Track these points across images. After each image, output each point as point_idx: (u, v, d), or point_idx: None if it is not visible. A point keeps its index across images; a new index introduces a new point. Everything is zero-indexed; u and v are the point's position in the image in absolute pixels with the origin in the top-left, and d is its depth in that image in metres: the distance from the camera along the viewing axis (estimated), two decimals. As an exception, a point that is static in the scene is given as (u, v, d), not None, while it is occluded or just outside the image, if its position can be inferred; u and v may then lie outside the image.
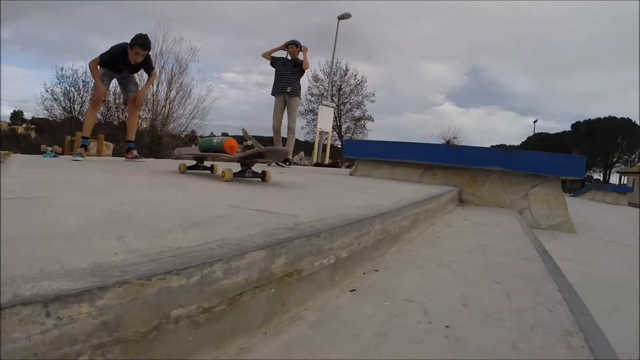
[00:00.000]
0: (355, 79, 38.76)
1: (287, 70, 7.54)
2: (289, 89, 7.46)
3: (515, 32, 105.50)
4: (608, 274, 3.23)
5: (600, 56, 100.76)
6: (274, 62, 7.66)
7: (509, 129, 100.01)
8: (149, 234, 1.17)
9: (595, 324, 1.33)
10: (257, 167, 3.64)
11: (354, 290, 1.44)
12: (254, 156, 3.38)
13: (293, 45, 7.51)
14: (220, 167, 3.84)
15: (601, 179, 55.37)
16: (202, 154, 3.88)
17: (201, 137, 23.08)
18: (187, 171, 3.95)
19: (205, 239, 1.15)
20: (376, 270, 1.71)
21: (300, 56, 7.55)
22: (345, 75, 38.50)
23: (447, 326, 1.17)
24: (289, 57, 7.65)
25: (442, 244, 2.31)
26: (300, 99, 7.81)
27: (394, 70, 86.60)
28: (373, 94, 39.38)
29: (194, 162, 4.13)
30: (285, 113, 7.64)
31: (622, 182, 41.78)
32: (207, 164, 4.25)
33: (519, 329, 1.18)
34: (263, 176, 3.49)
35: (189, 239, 1.15)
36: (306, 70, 7.63)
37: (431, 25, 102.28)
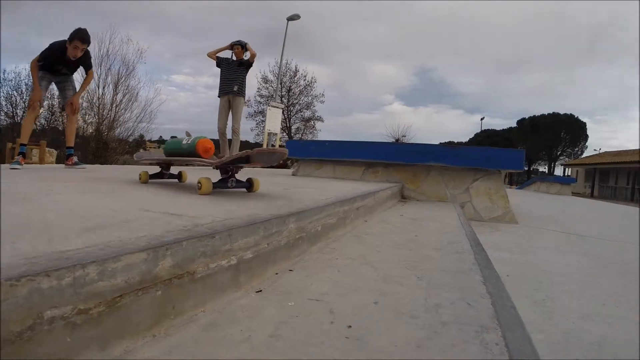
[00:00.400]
0: (305, 79, 38.77)
1: (232, 70, 7.37)
2: (235, 88, 7.27)
3: (461, 33, 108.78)
4: (546, 262, 3.23)
5: (543, 55, 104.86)
6: (220, 62, 7.49)
7: (457, 126, 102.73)
8: (44, 239, 1.11)
9: (517, 318, 1.25)
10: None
11: (260, 291, 1.38)
12: (238, 161, 2.49)
13: (238, 46, 7.31)
14: (193, 174, 3.44)
15: (546, 172, 57.47)
16: (169, 159, 3.13)
17: (150, 141, 22.38)
18: (151, 181, 3.16)
19: (92, 242, 1.08)
20: (290, 270, 1.62)
21: (246, 56, 7.39)
22: (294, 76, 38.48)
23: (350, 326, 1.10)
24: (234, 58, 7.48)
25: (370, 241, 2.23)
26: (244, 99, 7.61)
27: (344, 71, 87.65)
28: (322, 95, 39.51)
29: (158, 169, 3.35)
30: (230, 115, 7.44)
31: (566, 174, 43.41)
32: (174, 170, 3.49)
33: (431, 326, 1.11)
34: (250, 185, 2.77)
35: (79, 243, 1.08)
36: (253, 65, 7.46)
37: (380, 26, 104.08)
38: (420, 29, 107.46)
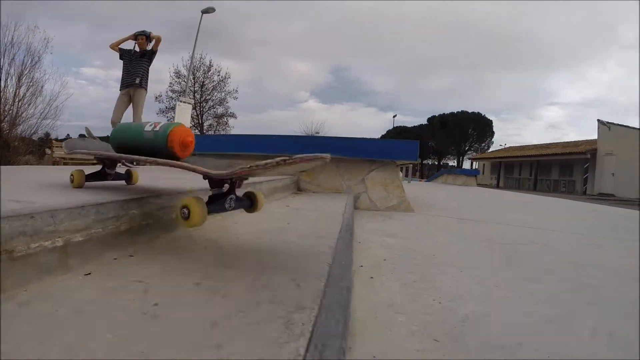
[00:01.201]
0: (219, 75, 38.02)
1: (135, 61, 7.01)
2: (137, 80, 6.92)
3: (377, 33, 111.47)
4: (430, 246, 3.29)
5: (454, 58, 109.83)
6: (122, 54, 7.10)
7: (370, 123, 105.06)
8: None
9: (345, 299, 1.25)
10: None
11: (89, 274, 1.33)
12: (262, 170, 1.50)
13: (143, 37, 6.96)
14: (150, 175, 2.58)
15: (455, 165, 60.29)
16: (118, 155, 2.12)
17: (56, 140, 20.73)
18: (88, 185, 2.16)
19: None
20: (131, 256, 1.55)
21: (149, 47, 7.05)
22: (208, 71, 37.59)
23: (156, 304, 1.09)
24: (137, 49, 7.11)
25: (233, 229, 2.16)
26: (146, 91, 7.25)
27: (260, 67, 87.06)
28: (236, 91, 38.90)
29: (99, 167, 2.27)
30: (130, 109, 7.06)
31: (473, 167, 45.77)
32: (121, 168, 2.40)
33: (241, 306, 1.08)
34: (250, 204, 1.90)
35: None
36: (158, 52, 7.11)
37: (298, 23, 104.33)
38: (337, 28, 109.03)
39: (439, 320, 1.68)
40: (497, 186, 35.33)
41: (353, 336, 1.39)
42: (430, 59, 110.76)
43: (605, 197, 21.96)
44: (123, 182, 2.33)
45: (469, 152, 60.96)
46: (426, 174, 39.17)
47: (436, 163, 65.53)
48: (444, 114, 63.15)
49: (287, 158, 1.38)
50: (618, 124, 27.14)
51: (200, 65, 36.34)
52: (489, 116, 64.57)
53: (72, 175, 2.10)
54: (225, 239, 1.96)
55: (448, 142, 60.10)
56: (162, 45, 7.07)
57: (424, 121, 67.66)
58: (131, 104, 7.08)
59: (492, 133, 61.85)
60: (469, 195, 11.23)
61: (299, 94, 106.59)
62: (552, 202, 10.90)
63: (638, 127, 25.75)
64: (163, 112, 35.55)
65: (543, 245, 3.61)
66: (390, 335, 1.47)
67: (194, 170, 1.64)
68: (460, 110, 62.39)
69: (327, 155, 1.43)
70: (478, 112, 62.16)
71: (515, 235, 4.12)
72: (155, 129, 1.96)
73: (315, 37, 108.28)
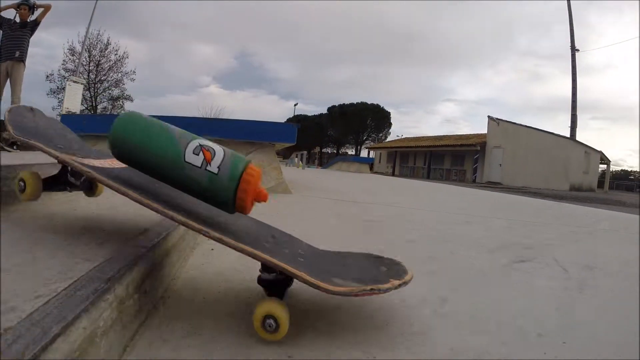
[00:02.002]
0: (116, 54, 36.21)
1: (15, 33, 6.51)
2: (17, 54, 6.43)
3: (284, 20, 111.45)
4: (290, 223, 3.39)
5: (357, 49, 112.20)
6: (2, 23, 6.55)
7: (272, 110, 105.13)
8: None
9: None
10: None
11: None
12: None
13: (25, 7, 6.48)
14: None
15: (354, 154, 62.07)
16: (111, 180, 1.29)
17: None
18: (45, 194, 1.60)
19: None
20: None
21: (32, 18, 6.57)
22: (105, 49, 35.66)
23: None
24: (18, 20, 6.59)
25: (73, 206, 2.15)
26: (25, 66, 6.74)
27: (161, 48, 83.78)
28: (134, 72, 37.35)
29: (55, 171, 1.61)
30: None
31: (370, 156, 47.40)
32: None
33: None
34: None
35: None
36: (48, 27, 6.64)
37: (204, 3, 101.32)
38: (245, 12, 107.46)
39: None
40: (393, 174, 36.82)
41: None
42: (334, 50, 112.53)
43: (492, 185, 23.56)
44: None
45: (366, 142, 63.26)
46: (325, 161, 40.06)
47: (335, 151, 67.06)
48: (344, 104, 65.04)
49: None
50: (506, 121, 29.49)
51: (97, 43, 34.50)
52: (388, 108, 67.64)
53: (21, 180, 1.48)
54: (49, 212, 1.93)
55: (347, 131, 61.99)
56: (57, 18, 6.72)
57: (325, 110, 69.01)
58: (9, 81, 6.58)
59: (390, 124, 64.74)
60: (355, 181, 11.64)
61: (201, 79, 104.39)
62: (434, 187, 11.60)
63: (526, 125, 28.05)
64: (54, 92, 33.34)
65: (406, 221, 3.89)
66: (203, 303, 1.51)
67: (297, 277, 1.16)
68: (360, 102, 64.38)
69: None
70: (377, 104, 64.52)
71: (381, 212, 4.37)
72: (210, 166, 1.25)
73: (222, 20, 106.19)
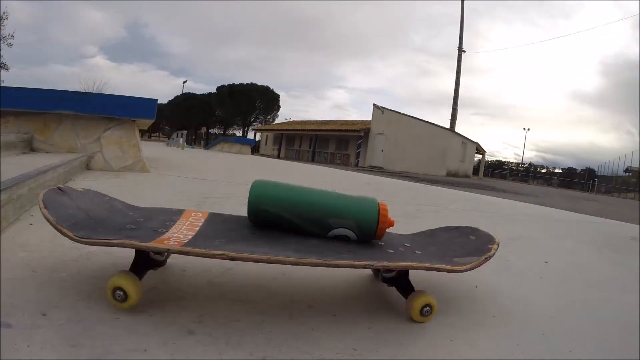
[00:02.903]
0: (-7, 12, 32.56)
1: None
2: None
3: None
4: (130, 199, 3.39)
5: (251, 30, 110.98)
6: None
7: (160, 87, 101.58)
8: None
9: None
10: None
11: None
12: None
13: None
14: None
15: (241, 135, 61.68)
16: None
17: None
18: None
19: None
20: None
21: None
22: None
23: None
24: None
25: None
26: None
27: (47, 8, 76.94)
28: (12, 36, 33.99)
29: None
30: None
31: (256, 138, 47.33)
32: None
33: None
34: None
35: None
36: None
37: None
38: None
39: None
40: (278, 156, 37.11)
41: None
42: (230, 28, 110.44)
43: (374, 169, 24.49)
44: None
45: (254, 123, 62.96)
46: (211, 142, 39.54)
47: (222, 132, 66.20)
48: (233, 84, 63.94)
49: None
50: (391, 110, 30.70)
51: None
52: (279, 91, 67.85)
53: (119, 289, 1.18)
54: None
55: (235, 112, 61.30)
56: None
57: (214, 89, 67.67)
58: None
59: (279, 107, 65.06)
60: (225, 161, 11.57)
61: (86, 48, 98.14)
62: (303, 167, 11.91)
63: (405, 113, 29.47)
64: None
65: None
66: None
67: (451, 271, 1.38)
68: (249, 82, 63.76)
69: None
70: (267, 86, 64.37)
71: (226, 190, 4.46)
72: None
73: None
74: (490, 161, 74.09)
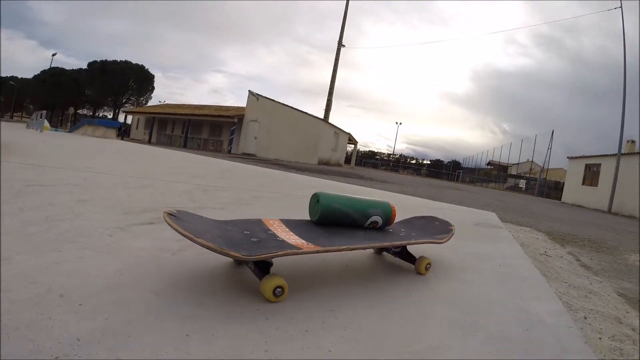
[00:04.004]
0: None
1: None
2: None
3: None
4: None
5: (130, 3, 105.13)
6: None
7: (26, 59, 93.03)
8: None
9: None
10: None
11: None
12: None
13: None
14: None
15: (111, 117, 58.23)
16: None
17: None
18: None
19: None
20: None
21: None
22: None
23: None
24: None
25: None
26: None
27: None
28: None
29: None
30: None
31: (127, 121, 44.79)
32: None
33: None
34: None
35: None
36: None
37: None
38: None
39: None
40: (149, 142, 35.54)
41: None
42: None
43: (247, 157, 24.24)
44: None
45: (126, 105, 59.41)
46: (75, 125, 36.84)
47: (92, 114, 61.93)
48: (106, 60, 59.56)
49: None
50: (266, 97, 30.40)
51: None
52: (155, 71, 64.53)
53: (279, 287, 1.61)
54: None
55: (106, 92, 57.25)
56: None
57: (86, 66, 62.45)
58: None
59: (153, 88, 61.74)
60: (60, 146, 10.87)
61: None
62: (167, 154, 11.42)
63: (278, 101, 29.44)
64: None
65: (72, 185, 3.63)
66: None
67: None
68: (124, 60, 59.98)
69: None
70: (142, 65, 61.02)
71: (56, 177, 4.06)
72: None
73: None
74: (364, 151, 76.93)
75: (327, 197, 2.13)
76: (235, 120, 30.98)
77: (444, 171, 71.41)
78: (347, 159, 44.47)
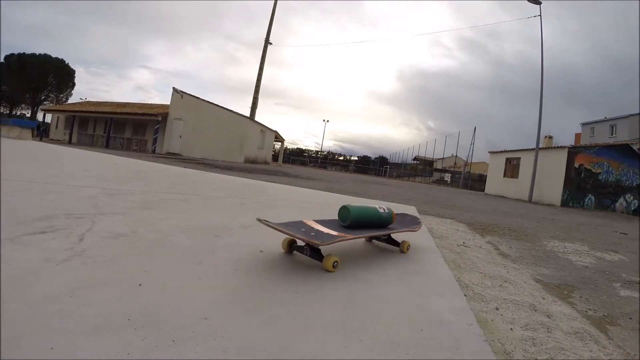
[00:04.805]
0: None
1: None
2: None
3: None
4: None
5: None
6: None
7: None
8: None
9: None
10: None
11: None
12: None
13: None
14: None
15: (29, 116, 55.09)
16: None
17: None
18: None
19: None
20: None
21: None
22: None
23: None
24: None
25: None
26: None
27: None
28: None
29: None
30: None
31: (45, 120, 42.37)
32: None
33: None
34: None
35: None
36: None
37: None
38: None
39: None
40: (70, 142, 33.98)
41: None
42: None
43: (172, 156, 23.69)
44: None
45: (44, 103, 56.19)
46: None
47: (8, 112, 58.17)
48: (24, 53, 55.87)
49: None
50: (190, 94, 29.80)
51: None
52: (76, 66, 61.24)
53: (336, 262, 2.54)
54: None
55: (25, 88, 53.82)
56: None
57: (2, 59, 58.35)
58: None
59: (73, 84, 58.63)
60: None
61: None
62: (83, 155, 11.06)
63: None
64: None
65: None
66: None
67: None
68: (43, 53, 56.59)
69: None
70: (62, 59, 57.81)
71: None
72: (385, 211, 3.27)
73: None
74: (292, 149, 77.01)
75: (355, 209, 3.01)
76: (160, 118, 30.12)
77: (372, 167, 72.81)
78: (275, 157, 44.46)
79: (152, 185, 5.50)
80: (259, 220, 2.52)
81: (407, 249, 3.26)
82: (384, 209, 3.24)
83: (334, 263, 2.45)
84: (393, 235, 3.34)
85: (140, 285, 1.86)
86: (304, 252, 2.62)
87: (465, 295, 2.51)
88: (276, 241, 2.88)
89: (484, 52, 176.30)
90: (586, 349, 2.04)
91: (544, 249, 4.99)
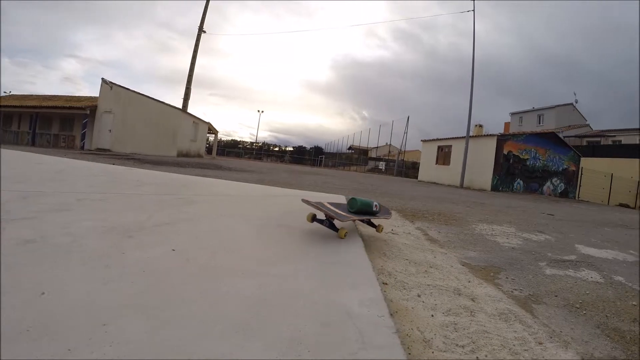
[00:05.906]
0: None
1: None
2: None
3: None
4: None
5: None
6: None
7: None
8: None
9: None
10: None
11: None
12: None
13: None
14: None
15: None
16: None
17: None
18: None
19: None
20: None
21: None
22: None
23: None
24: None
25: None
26: None
27: None
28: None
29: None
30: None
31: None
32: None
33: None
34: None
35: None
36: None
37: None
38: None
39: None
40: (-8, 140, 32.12)
41: None
42: None
43: (101, 152, 22.90)
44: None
45: (-36, 99, 52.93)
46: None
47: None
48: None
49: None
50: (120, 85, 28.49)
51: None
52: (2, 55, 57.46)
53: (346, 233, 3.61)
54: None
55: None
56: None
57: None
58: None
59: (-4, 78, 55.40)
60: None
61: None
62: None
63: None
64: None
65: None
66: None
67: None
68: (-40, 45, 52.96)
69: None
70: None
71: None
72: (377, 205, 4.20)
73: None
74: (226, 141, 76.16)
75: (360, 200, 3.98)
76: (88, 112, 28.74)
77: (307, 157, 73.09)
78: (209, 150, 43.90)
79: (71, 185, 5.31)
80: (304, 200, 3.67)
81: (381, 230, 4.19)
82: (376, 205, 4.15)
83: (345, 233, 3.50)
84: (373, 220, 4.16)
85: (43, 294, 1.77)
86: (324, 224, 3.64)
87: (385, 284, 2.54)
88: (189, 238, 2.86)
89: (417, 44, 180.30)
90: (510, 329, 2.08)
91: (472, 232, 5.17)
